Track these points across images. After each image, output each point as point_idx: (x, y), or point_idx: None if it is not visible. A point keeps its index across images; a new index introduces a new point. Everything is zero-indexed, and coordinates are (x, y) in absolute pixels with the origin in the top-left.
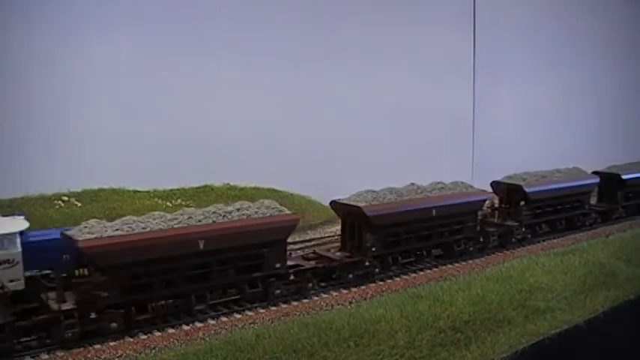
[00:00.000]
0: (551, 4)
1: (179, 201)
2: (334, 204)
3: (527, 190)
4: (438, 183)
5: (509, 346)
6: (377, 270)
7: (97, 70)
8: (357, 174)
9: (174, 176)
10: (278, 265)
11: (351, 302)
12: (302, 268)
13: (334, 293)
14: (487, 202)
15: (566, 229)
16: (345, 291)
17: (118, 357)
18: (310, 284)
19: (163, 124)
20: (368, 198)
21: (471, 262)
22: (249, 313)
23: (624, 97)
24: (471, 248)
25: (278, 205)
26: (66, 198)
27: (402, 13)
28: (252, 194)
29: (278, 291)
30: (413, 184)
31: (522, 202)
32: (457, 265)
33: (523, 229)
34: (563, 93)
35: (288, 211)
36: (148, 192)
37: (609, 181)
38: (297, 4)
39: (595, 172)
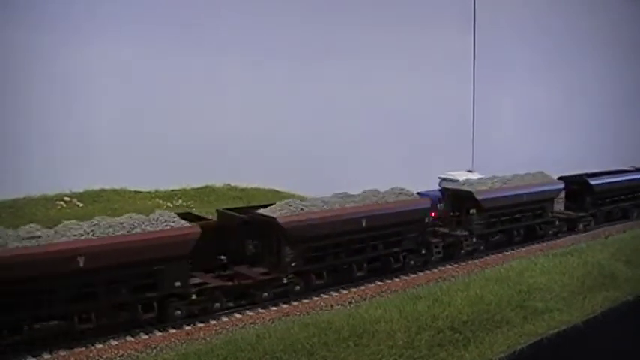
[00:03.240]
0: (551, 4)
1: (180, 201)
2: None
3: None
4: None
5: (507, 346)
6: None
7: (98, 71)
8: (357, 174)
9: (175, 177)
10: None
11: (350, 302)
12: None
13: (334, 293)
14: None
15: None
16: (344, 291)
17: (119, 356)
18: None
19: (164, 125)
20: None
21: (470, 262)
22: (250, 313)
23: (625, 97)
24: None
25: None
26: (68, 199)
27: (403, 13)
28: (252, 195)
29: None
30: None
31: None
32: (456, 265)
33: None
34: (563, 93)
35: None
36: (149, 193)
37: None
38: (297, 4)
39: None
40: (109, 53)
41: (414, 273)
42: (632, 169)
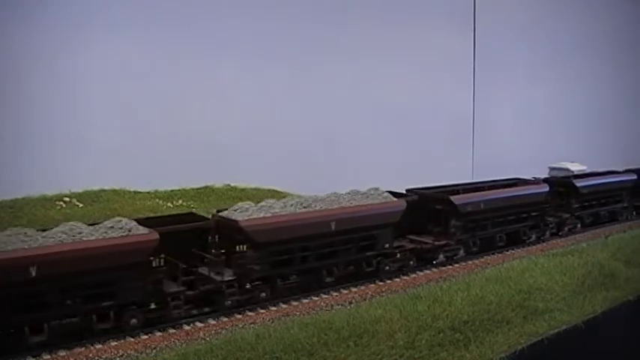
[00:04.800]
0: (551, 5)
1: (180, 202)
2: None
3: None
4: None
5: (508, 346)
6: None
7: (98, 71)
8: (357, 175)
9: (174, 177)
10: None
11: (350, 302)
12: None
13: (334, 293)
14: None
15: None
16: (344, 291)
17: (119, 357)
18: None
19: (164, 125)
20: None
21: (470, 262)
22: (250, 313)
23: (624, 97)
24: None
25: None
26: (67, 199)
27: (402, 13)
28: (252, 195)
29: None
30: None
31: None
32: (456, 265)
33: None
34: (563, 94)
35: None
36: (148, 193)
37: None
38: (296, 5)
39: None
40: (108, 53)
41: (134, 336)
42: (532, 179)
